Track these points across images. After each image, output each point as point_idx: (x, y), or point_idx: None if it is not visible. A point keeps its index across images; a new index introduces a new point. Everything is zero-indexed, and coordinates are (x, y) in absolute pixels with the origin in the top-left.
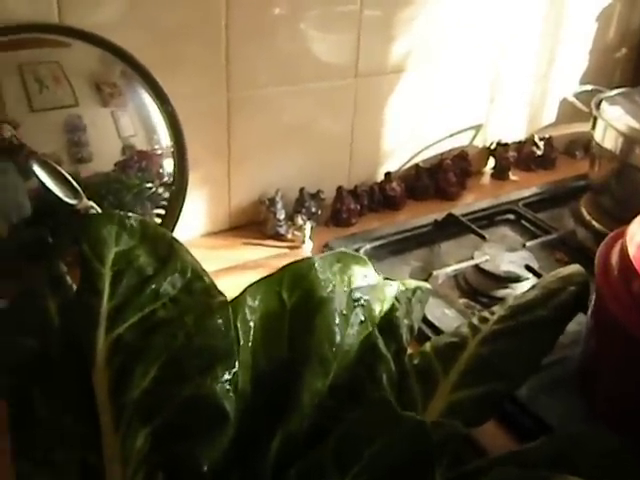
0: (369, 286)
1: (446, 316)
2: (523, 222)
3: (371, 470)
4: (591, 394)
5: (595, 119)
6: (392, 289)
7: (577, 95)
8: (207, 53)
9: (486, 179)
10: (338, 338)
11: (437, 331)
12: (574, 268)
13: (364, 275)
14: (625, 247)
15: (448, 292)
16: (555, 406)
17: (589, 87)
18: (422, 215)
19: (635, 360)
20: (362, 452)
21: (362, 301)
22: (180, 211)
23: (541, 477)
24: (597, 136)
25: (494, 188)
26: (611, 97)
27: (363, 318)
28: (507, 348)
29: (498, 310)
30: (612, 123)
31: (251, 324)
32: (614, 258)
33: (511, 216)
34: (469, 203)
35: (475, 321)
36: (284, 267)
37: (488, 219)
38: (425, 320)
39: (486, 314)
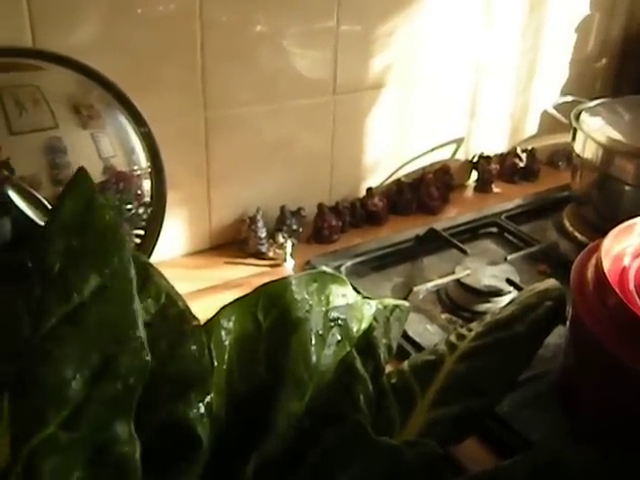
0: (346, 305)
1: (428, 332)
2: (506, 235)
3: None
4: (571, 409)
5: (575, 130)
6: (370, 308)
7: (557, 106)
8: (183, 74)
9: (469, 192)
10: (314, 359)
11: (418, 347)
12: (550, 283)
13: (342, 294)
14: (600, 261)
15: (430, 307)
16: (537, 421)
17: (569, 98)
18: (405, 230)
19: (611, 375)
20: (337, 478)
21: (339, 321)
22: (159, 231)
23: None
24: (577, 147)
25: (477, 201)
26: (591, 108)
27: (340, 338)
28: (484, 365)
29: (475, 327)
30: (591, 134)
31: (226, 345)
32: (589, 272)
33: (494, 229)
34: (452, 217)
35: (452, 338)
36: (259, 287)
37: (471, 233)
38: (406, 336)
39: (463, 331)
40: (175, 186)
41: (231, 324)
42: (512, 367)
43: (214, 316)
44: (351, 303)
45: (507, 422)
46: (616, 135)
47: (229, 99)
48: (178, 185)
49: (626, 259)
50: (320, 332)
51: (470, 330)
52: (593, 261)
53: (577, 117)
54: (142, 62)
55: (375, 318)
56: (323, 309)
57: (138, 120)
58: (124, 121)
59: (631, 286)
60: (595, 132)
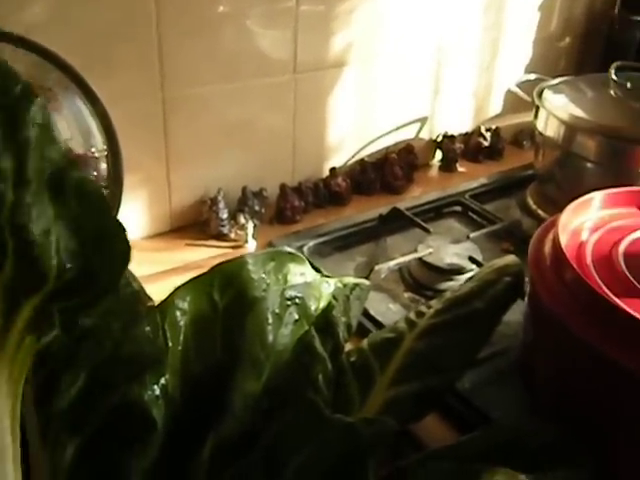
0: (304, 284)
1: (390, 311)
2: (470, 214)
3: (302, 477)
4: (531, 386)
5: (537, 108)
6: (329, 287)
7: (520, 85)
8: (138, 52)
9: (433, 172)
10: (271, 338)
11: (380, 326)
12: (509, 259)
13: (300, 273)
14: (557, 236)
15: (393, 287)
16: (498, 399)
17: (532, 76)
18: (368, 210)
19: (569, 351)
20: (290, 460)
21: (296, 300)
22: (117, 214)
23: (473, 470)
24: (539, 125)
25: (441, 180)
26: (554, 85)
27: (297, 317)
28: (443, 342)
29: (435, 304)
30: (553, 112)
31: (181, 326)
32: (547, 248)
33: (458, 208)
34: (416, 196)
35: (412, 316)
36: (215, 267)
37: (435, 212)
38: (368, 316)
39: (423, 308)
40: (133, 168)
41: (186, 304)
42: (471, 344)
43: (168, 297)
44: (309, 282)
45: (468, 399)
46: (578, 112)
47: (188, 79)
48: (136, 167)
49: (584, 234)
50: (277, 311)
51: (430, 307)
52: (550, 236)
53: (539, 95)
54: (96, 40)
55: (334, 297)
56: (280, 288)
57: (94, 101)
58: (80, 103)
59: (588, 260)
60: (557, 109)
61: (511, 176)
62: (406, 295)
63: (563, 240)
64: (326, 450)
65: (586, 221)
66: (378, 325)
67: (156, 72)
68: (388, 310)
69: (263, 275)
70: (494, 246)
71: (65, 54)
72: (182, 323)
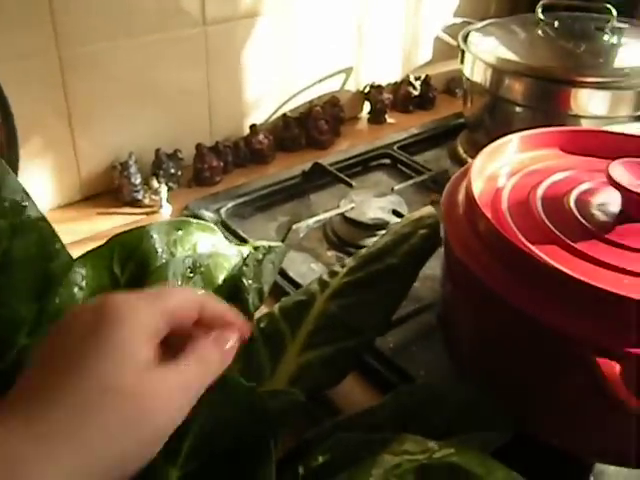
0: (211, 253)
1: (312, 271)
2: (399, 166)
3: (201, 450)
4: (451, 343)
5: (463, 52)
6: (237, 253)
7: (448, 30)
8: (28, 7)
9: (362, 124)
10: None
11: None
12: (425, 210)
13: (211, 244)
14: (469, 183)
15: (315, 245)
16: (424, 357)
17: (459, 20)
18: (293, 167)
19: (484, 305)
20: (187, 432)
21: (201, 268)
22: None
23: (381, 440)
24: (466, 70)
25: (370, 133)
26: (481, 28)
27: (203, 285)
28: (356, 301)
29: (349, 262)
30: (479, 55)
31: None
32: (460, 196)
33: (386, 161)
34: (343, 150)
35: (325, 276)
36: (113, 238)
37: (362, 165)
38: (287, 277)
39: (337, 268)
40: (34, 133)
41: (84, 280)
42: (387, 302)
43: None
44: (217, 251)
45: (390, 360)
46: (505, 54)
47: (85, 35)
48: (36, 133)
49: (500, 179)
50: (179, 282)
51: (344, 266)
52: (464, 183)
53: (465, 39)
54: None
55: (245, 262)
56: (182, 257)
57: None
58: None
59: (504, 206)
60: (483, 53)
61: (442, 125)
62: (329, 254)
63: (477, 187)
64: (227, 415)
65: (503, 166)
66: (298, 287)
67: (49, 28)
68: (310, 270)
69: (166, 246)
70: (423, 198)
71: None
72: (80, 299)
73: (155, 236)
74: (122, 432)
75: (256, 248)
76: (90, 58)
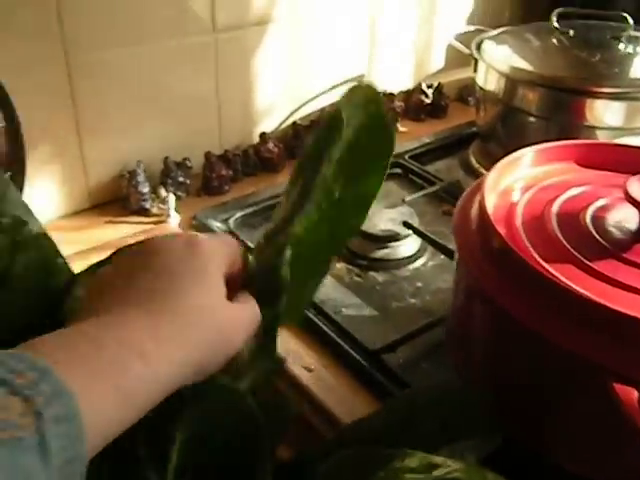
0: None
1: (322, 284)
2: (410, 176)
3: (192, 456)
4: (459, 360)
5: (476, 61)
6: None
7: (461, 38)
8: (36, 17)
9: None
10: None
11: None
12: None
13: None
14: (482, 198)
15: None
16: (432, 375)
17: (471, 28)
18: None
19: (496, 324)
20: (173, 435)
21: None
22: (21, 192)
23: (381, 456)
24: (479, 79)
25: None
26: (494, 37)
27: None
28: None
29: None
30: (492, 64)
31: None
32: (473, 211)
33: (398, 170)
34: None
35: None
36: (115, 252)
37: None
38: None
39: None
40: (42, 141)
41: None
42: None
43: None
44: None
45: (398, 376)
46: (519, 63)
47: (94, 42)
48: (45, 140)
49: (515, 194)
50: None
51: None
52: (477, 198)
53: (478, 47)
54: None
55: None
56: None
57: None
58: None
59: (518, 222)
60: (496, 61)
61: (455, 134)
62: (339, 265)
63: (491, 202)
64: (214, 414)
65: (517, 180)
66: None
67: (57, 37)
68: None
69: None
70: (434, 209)
71: None
72: None
73: None
74: (216, 339)
75: None
76: (98, 66)
